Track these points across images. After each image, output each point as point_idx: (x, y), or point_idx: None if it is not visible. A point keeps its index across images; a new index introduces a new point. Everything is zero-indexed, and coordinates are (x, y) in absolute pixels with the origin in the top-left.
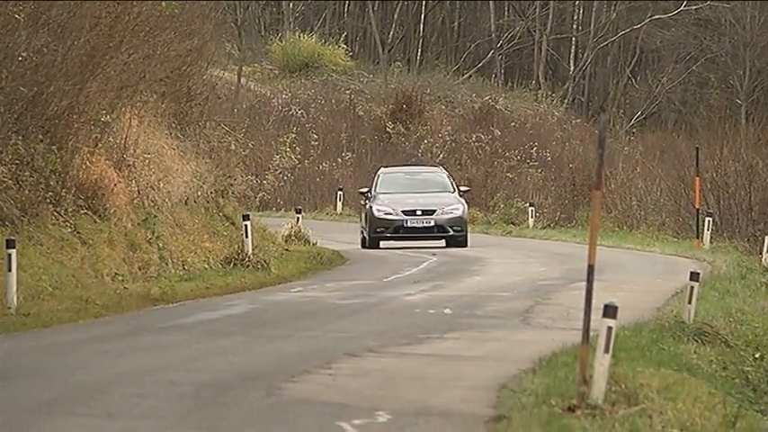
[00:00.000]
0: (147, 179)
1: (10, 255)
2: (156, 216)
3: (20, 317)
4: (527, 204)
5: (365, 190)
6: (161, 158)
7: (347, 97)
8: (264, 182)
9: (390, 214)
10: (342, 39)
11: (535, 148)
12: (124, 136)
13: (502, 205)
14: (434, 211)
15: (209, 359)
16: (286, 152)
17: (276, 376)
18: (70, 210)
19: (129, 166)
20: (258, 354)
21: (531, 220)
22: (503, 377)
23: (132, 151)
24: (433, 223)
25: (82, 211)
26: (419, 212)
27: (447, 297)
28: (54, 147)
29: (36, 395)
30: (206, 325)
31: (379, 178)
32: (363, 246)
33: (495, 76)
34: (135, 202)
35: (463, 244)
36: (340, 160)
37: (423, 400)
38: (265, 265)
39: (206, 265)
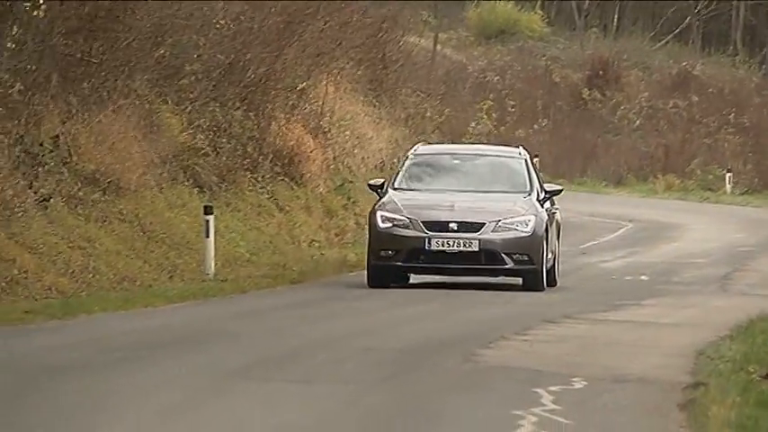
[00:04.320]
0: (342, 146)
1: (208, 221)
2: (351, 182)
3: (218, 282)
4: (724, 171)
5: (378, 182)
6: (356, 125)
7: (543, 63)
8: None
9: (403, 226)
10: (538, 5)
11: (733, 114)
12: (320, 103)
13: (699, 172)
14: (481, 225)
15: (406, 326)
16: (482, 119)
17: (472, 343)
18: (267, 176)
19: (324, 132)
20: (454, 320)
21: (728, 187)
22: (700, 344)
23: (328, 118)
24: (476, 246)
25: (278, 178)
26: (454, 226)
27: (643, 263)
28: (251, 113)
29: (234, 360)
30: (402, 292)
31: (407, 162)
32: (368, 282)
33: (693, 41)
34: (331, 168)
35: (535, 284)
36: (536, 127)
37: (619, 366)
38: None
39: None
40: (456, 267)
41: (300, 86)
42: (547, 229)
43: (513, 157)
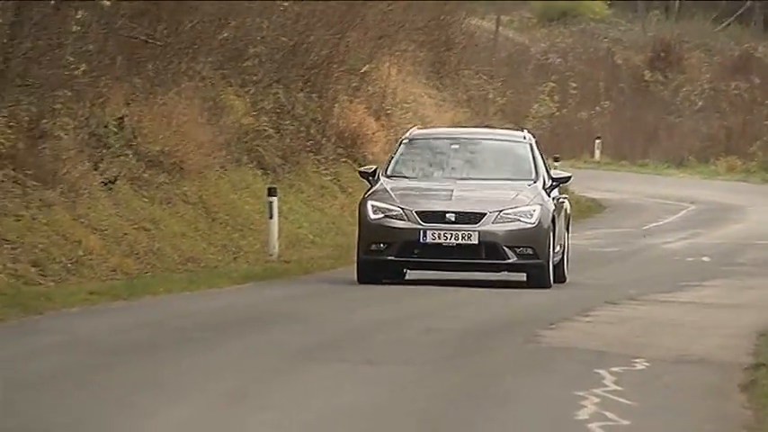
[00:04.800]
0: (404, 127)
1: (271, 203)
2: None
3: (281, 264)
4: None
5: (370, 169)
6: (419, 107)
7: (605, 46)
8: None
9: (396, 218)
10: None
11: None
12: (383, 85)
13: (761, 153)
14: (481, 216)
15: (467, 307)
16: (544, 101)
17: (534, 323)
18: (330, 158)
19: (387, 114)
20: (516, 301)
21: None
22: (762, 325)
23: (390, 100)
24: (476, 239)
25: (341, 159)
26: (451, 217)
27: (705, 245)
28: (314, 95)
29: (296, 341)
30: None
31: (401, 147)
32: (358, 277)
33: (755, 23)
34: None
35: (541, 281)
36: (598, 109)
37: (681, 347)
38: None
39: None
40: (453, 262)
41: (363, 69)
42: (554, 221)
43: (517, 142)
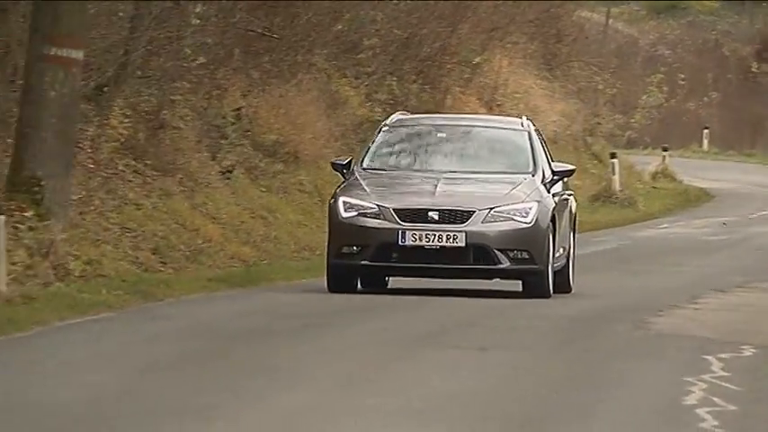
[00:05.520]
0: None
1: None
2: None
3: None
4: None
5: (344, 161)
6: (530, 98)
7: (713, 37)
8: (632, 120)
9: (371, 216)
10: None
11: None
12: (494, 76)
13: None
14: (469, 215)
15: (579, 293)
16: (653, 91)
17: (643, 310)
18: None
19: (498, 105)
20: (626, 288)
21: None
22: None
23: (502, 91)
24: (462, 241)
25: None
26: (434, 215)
27: None
28: (427, 87)
29: (410, 328)
30: (577, 260)
31: (380, 135)
32: (328, 284)
33: None
34: None
35: (539, 289)
36: (706, 99)
37: None
38: (632, 202)
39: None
40: (437, 268)
41: (475, 60)
42: (554, 220)
43: (514, 129)
